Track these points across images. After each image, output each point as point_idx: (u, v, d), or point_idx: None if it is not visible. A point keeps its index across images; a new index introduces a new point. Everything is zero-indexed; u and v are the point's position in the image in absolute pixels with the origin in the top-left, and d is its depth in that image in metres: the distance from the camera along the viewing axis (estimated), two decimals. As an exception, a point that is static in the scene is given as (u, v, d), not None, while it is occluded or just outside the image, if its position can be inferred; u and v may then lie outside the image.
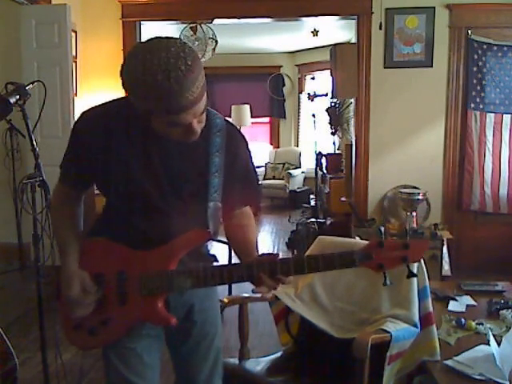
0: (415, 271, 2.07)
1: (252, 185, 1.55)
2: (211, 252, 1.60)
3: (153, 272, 1.37)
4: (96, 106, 1.41)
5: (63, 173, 1.49)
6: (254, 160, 1.55)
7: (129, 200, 1.39)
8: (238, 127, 1.62)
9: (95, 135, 1.36)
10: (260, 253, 1.48)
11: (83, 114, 1.41)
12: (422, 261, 2.15)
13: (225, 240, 1.62)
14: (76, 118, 1.42)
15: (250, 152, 1.52)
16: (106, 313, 1.42)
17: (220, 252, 2.52)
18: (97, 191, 1.52)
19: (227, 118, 1.51)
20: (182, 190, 1.39)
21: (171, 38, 1.20)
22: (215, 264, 1.52)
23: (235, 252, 1.57)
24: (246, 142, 1.50)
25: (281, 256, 1.37)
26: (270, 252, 1.41)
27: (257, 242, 1.54)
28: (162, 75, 1.12)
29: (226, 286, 3.73)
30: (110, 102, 1.44)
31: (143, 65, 1.13)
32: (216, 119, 1.43)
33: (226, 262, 3.08)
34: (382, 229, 1.59)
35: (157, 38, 1.20)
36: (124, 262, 1.40)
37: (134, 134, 1.35)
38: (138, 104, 1.22)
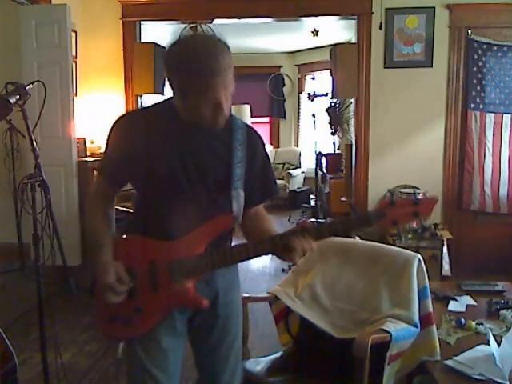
0: (415, 272, 2.10)
1: (269, 179, 1.68)
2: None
3: (181, 258, 1.47)
4: (132, 111, 1.63)
5: (104, 166, 1.61)
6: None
7: (160, 189, 1.50)
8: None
9: (134, 131, 1.50)
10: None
11: (121, 116, 1.55)
12: (422, 260, 2.15)
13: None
14: (114, 120, 1.55)
15: (266, 151, 1.66)
16: (139, 301, 1.51)
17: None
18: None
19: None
20: (208, 179, 1.52)
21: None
22: None
23: None
24: (263, 142, 1.66)
25: None
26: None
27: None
28: (203, 52, 1.32)
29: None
30: (144, 107, 1.65)
31: (186, 47, 1.35)
32: (237, 121, 1.59)
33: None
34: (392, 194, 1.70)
35: (190, 34, 1.43)
36: (154, 252, 1.50)
37: (167, 131, 1.50)
38: (178, 82, 1.39)
